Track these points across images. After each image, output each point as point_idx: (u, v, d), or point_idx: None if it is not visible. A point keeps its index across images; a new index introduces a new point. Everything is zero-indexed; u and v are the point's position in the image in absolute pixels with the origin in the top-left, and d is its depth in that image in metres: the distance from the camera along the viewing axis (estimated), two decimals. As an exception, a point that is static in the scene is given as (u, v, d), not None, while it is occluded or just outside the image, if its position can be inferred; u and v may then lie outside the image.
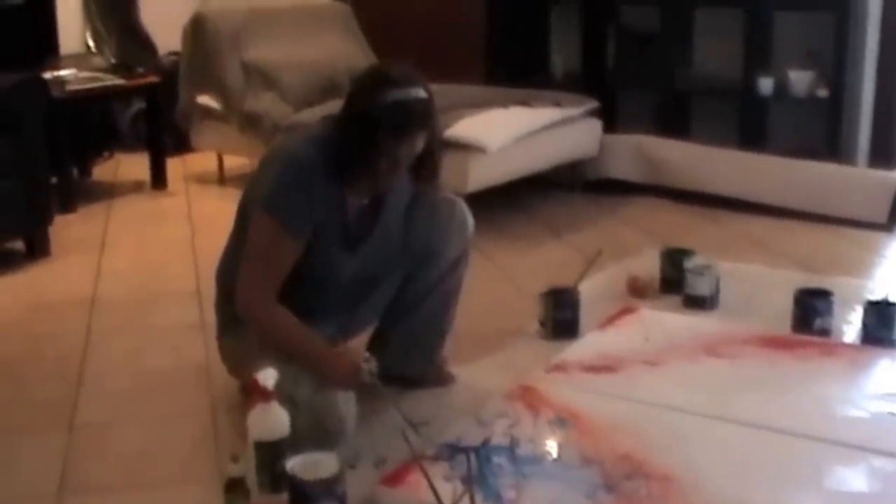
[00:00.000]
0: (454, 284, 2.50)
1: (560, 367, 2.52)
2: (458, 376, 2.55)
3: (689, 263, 3.05)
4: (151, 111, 4.79)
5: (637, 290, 3.15)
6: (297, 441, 1.97)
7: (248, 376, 2.10)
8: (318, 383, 2.12)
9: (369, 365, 2.16)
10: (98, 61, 4.83)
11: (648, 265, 3.25)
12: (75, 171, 4.93)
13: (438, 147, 2.27)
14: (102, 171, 5.13)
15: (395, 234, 2.37)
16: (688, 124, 4.70)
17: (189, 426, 2.39)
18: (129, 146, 5.31)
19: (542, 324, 2.83)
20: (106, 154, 5.34)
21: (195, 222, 4.19)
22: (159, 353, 2.84)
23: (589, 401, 2.31)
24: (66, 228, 4.06)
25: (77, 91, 4.32)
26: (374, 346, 2.50)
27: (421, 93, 2.14)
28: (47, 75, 4.27)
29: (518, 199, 4.39)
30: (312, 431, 2.05)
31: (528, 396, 2.34)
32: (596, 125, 4.55)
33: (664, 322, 2.82)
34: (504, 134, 3.98)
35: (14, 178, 3.51)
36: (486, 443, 2.09)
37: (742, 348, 2.60)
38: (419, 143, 2.17)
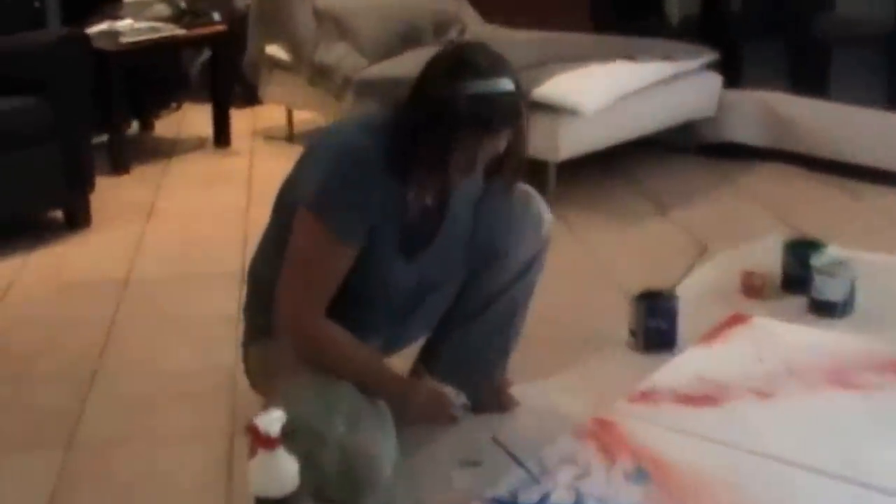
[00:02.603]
0: (523, 293, 2.18)
1: (648, 396, 2.17)
2: (524, 398, 2.24)
3: (817, 260, 2.64)
4: (216, 62, 4.56)
5: (753, 288, 2.79)
6: (322, 487, 1.75)
7: (275, 394, 1.88)
8: (354, 419, 1.84)
9: (459, 398, 1.95)
10: (162, 8, 4.60)
11: (769, 256, 2.89)
12: (136, 126, 4.80)
13: (524, 146, 1.94)
14: (167, 124, 4.98)
15: (462, 237, 2.07)
16: (826, 79, 4.35)
17: (203, 448, 2.15)
18: (199, 96, 5.11)
19: (633, 333, 2.49)
20: (174, 105, 5.19)
21: (254, 188, 3.96)
22: (186, 351, 2.62)
23: (679, 445, 1.97)
24: (115, 192, 3.90)
25: (131, 44, 4.10)
26: (423, 361, 2.21)
27: (508, 85, 1.85)
28: (102, 26, 4.07)
29: (618, 165, 4.04)
30: (342, 476, 1.79)
31: (604, 435, 2.01)
32: (714, 80, 4.19)
33: (783, 336, 2.44)
34: (602, 94, 3.63)
35: (50, 144, 3.32)
36: (544, 500, 1.77)
37: (881, 378, 2.20)
38: (502, 143, 1.89)
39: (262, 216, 2.11)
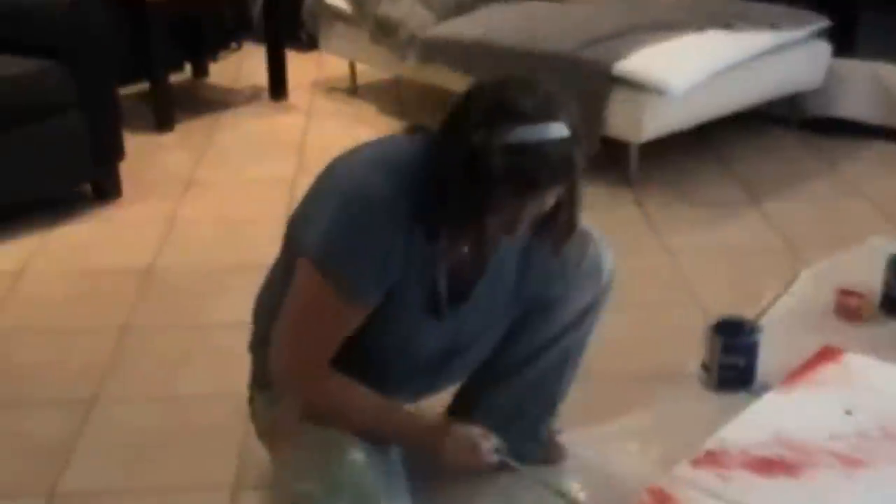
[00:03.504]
0: (578, 342, 1.91)
1: (715, 458, 1.91)
2: (573, 446, 2.00)
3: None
4: (271, 8, 4.30)
5: (849, 310, 2.52)
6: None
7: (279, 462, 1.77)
8: (361, 499, 1.63)
9: (490, 441, 1.74)
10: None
11: (871, 265, 2.57)
12: (189, 70, 4.62)
13: (577, 199, 1.65)
14: (223, 67, 4.74)
15: (506, 288, 1.80)
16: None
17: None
18: (261, 36, 4.88)
19: (705, 367, 2.23)
20: (233, 45, 5.00)
21: (307, 154, 3.70)
22: (201, 370, 2.39)
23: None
24: (154, 155, 3.69)
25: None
26: (457, 409, 1.97)
27: (561, 130, 1.52)
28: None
29: (708, 142, 3.70)
30: None
31: (658, 511, 1.76)
32: (822, 49, 3.79)
33: (879, 380, 2.15)
34: (694, 70, 3.28)
35: (70, 112, 3.08)
36: None
37: None
38: (549, 201, 1.59)
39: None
